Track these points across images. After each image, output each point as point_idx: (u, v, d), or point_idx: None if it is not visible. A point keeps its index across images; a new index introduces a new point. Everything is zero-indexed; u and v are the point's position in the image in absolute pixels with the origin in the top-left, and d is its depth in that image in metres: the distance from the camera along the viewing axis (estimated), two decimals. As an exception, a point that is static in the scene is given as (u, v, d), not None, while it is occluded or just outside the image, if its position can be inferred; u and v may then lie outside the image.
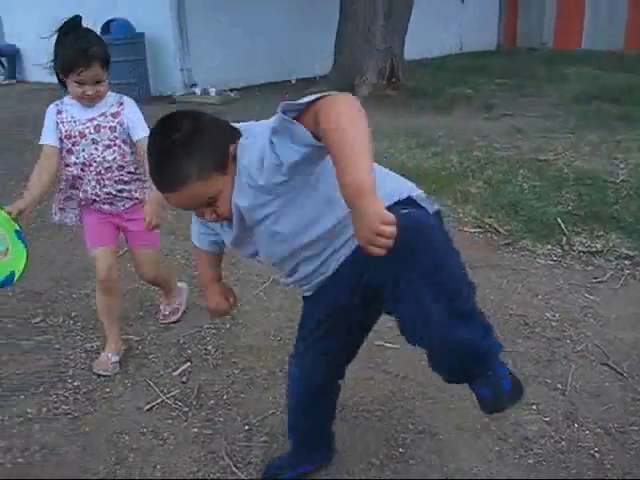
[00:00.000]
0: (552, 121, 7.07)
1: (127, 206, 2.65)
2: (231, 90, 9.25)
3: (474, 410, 2.34)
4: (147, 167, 1.64)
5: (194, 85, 9.38)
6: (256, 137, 1.53)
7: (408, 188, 1.62)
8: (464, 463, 2.13)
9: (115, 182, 2.57)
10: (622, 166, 5.20)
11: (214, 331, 2.98)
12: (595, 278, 3.40)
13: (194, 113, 1.57)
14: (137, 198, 2.65)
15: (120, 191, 2.60)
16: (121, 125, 2.52)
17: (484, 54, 13.39)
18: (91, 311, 3.11)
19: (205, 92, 9.10)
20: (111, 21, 8.76)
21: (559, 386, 2.50)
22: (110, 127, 2.52)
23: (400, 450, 2.18)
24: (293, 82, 9.83)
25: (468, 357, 1.47)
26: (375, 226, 1.21)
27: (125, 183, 2.60)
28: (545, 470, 2.08)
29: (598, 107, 7.55)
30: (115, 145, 2.53)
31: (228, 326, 3.02)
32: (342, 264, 1.62)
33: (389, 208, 1.30)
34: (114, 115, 2.53)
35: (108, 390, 2.56)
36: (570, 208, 4.28)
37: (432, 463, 2.13)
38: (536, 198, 4.48)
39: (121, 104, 2.56)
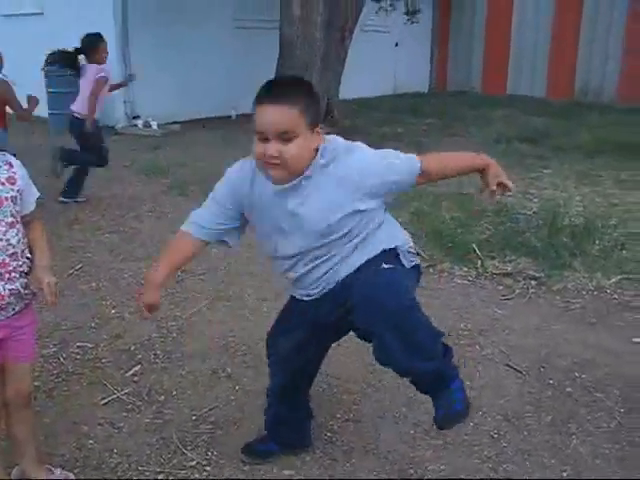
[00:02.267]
0: (475, 159, 7.59)
1: (17, 309, 1.99)
2: (172, 123, 9.55)
3: (394, 402, 2.71)
4: None
5: (136, 117, 9.63)
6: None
7: (399, 239, 2.09)
8: (383, 445, 2.47)
9: (20, 274, 1.95)
10: (535, 200, 5.74)
11: (162, 339, 3.26)
12: (504, 296, 3.84)
13: (312, 84, 2.00)
14: (32, 294, 2.03)
15: (24, 286, 1.97)
16: (20, 194, 1.95)
17: (416, 96, 14.07)
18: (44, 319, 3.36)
19: (147, 124, 9.37)
20: (55, 53, 8.97)
21: (467, 383, 2.84)
22: (12, 198, 1.92)
23: (328, 434, 2.52)
24: (234, 117, 10.19)
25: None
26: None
27: (26, 275, 1.98)
28: (451, 449, 2.45)
29: (517, 147, 8.17)
30: (18, 222, 1.95)
31: (175, 335, 3.31)
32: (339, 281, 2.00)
33: (375, 257, 1.94)
34: (10, 181, 1.93)
35: (66, 389, 2.81)
36: (486, 236, 4.74)
37: (355, 445, 2.47)
38: (457, 227, 4.93)
39: (10, 165, 1.95)
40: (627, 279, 4.04)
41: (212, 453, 2.40)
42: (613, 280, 4.02)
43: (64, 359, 3.05)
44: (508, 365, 3.04)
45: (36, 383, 2.82)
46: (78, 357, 3.07)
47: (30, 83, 9.02)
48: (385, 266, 1.94)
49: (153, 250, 4.50)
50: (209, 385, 2.86)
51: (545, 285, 3.97)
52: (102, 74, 5.47)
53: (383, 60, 13.90)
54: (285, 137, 1.83)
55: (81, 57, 5.69)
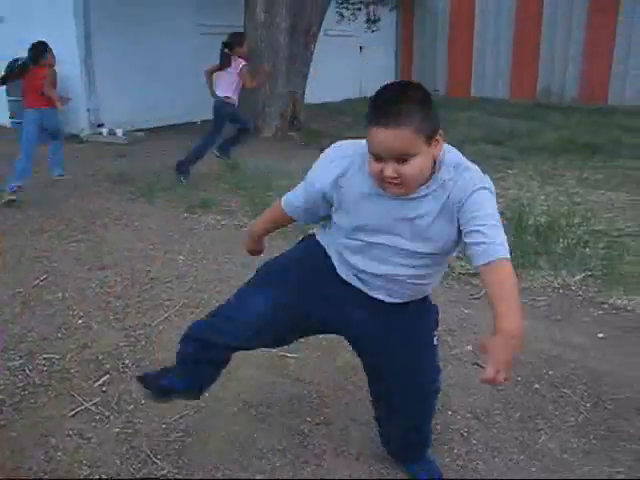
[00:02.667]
0: (441, 161, 7.68)
1: None
2: (137, 130, 9.49)
3: (364, 404, 2.72)
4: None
5: (101, 125, 9.55)
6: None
7: None
8: (354, 447, 2.48)
9: None
10: (500, 200, 5.74)
11: (130, 348, 3.23)
12: (472, 295, 3.88)
13: (424, 87, 1.78)
14: None
15: None
16: None
17: (382, 99, 14.14)
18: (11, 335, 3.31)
19: (112, 132, 9.29)
20: (16, 61, 8.85)
21: (437, 383, 2.90)
22: None
23: (299, 438, 2.52)
24: (198, 123, 10.15)
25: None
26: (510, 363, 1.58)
27: None
28: (422, 448, 2.47)
29: (482, 149, 8.26)
30: None
31: (143, 343, 3.28)
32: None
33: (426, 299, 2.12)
34: None
35: (33, 401, 2.77)
36: (453, 237, 4.78)
37: (326, 448, 2.47)
38: (424, 228, 4.96)
39: None
40: (591, 276, 4.11)
41: (183, 461, 2.38)
42: (577, 277, 4.08)
43: (30, 371, 3.00)
44: (477, 364, 3.07)
45: (2, 396, 2.78)
46: (45, 369, 3.03)
47: (-9, 92, 8.97)
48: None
49: (120, 258, 4.47)
50: (179, 393, 2.84)
51: (511, 284, 4.01)
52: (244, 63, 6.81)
53: (348, 64, 13.98)
54: (402, 158, 1.74)
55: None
